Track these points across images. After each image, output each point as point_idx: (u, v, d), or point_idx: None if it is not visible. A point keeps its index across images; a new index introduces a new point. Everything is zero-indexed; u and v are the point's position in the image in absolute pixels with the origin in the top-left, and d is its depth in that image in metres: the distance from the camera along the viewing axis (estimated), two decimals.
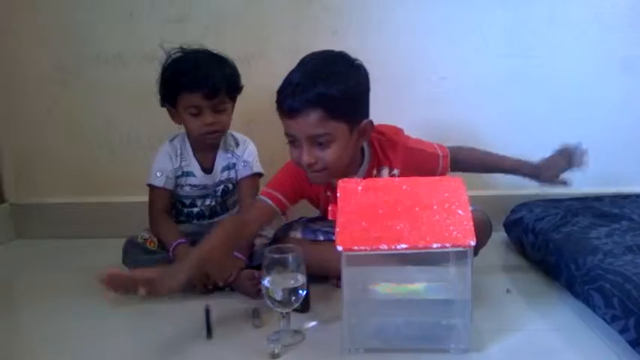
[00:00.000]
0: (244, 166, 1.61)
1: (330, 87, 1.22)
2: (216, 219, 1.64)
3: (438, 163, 1.42)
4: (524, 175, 1.51)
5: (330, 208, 1.18)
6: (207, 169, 1.60)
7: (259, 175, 1.62)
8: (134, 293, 1.16)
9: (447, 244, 1.07)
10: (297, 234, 1.52)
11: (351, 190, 1.19)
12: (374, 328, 1.20)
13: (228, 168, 1.61)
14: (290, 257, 1.15)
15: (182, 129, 1.58)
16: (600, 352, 1.14)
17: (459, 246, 1.07)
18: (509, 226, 1.73)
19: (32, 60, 1.92)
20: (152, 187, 1.58)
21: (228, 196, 1.65)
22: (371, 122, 1.32)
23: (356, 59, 1.31)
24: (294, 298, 1.15)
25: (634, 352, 1.09)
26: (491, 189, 1.81)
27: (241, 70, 1.56)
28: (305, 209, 1.56)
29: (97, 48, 1.89)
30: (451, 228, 1.09)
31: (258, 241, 1.55)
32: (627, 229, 1.45)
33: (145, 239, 1.55)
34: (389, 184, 1.23)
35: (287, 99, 1.24)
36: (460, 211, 1.11)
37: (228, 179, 1.62)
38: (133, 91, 1.88)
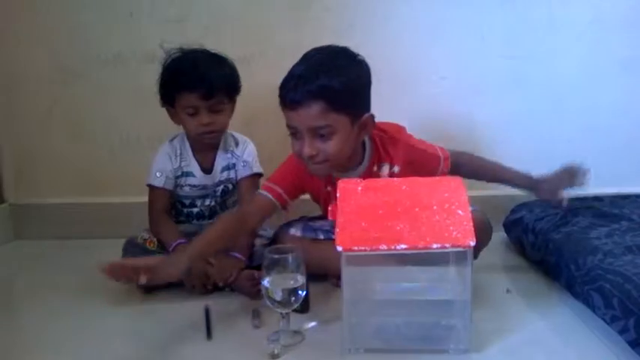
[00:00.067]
0: (244, 166, 1.61)
1: (332, 79, 1.24)
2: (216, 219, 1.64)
3: (439, 164, 1.42)
4: (523, 188, 1.52)
5: (330, 208, 1.18)
6: (207, 170, 1.60)
7: (259, 175, 1.61)
8: (136, 281, 1.18)
9: (447, 245, 1.07)
10: (297, 232, 1.52)
11: (350, 190, 1.19)
12: (374, 329, 1.20)
13: (227, 168, 1.61)
14: (290, 258, 1.15)
15: (182, 129, 1.58)
16: (600, 352, 1.14)
17: (458, 246, 1.07)
18: (509, 226, 1.73)
19: (32, 60, 1.92)
20: (152, 188, 1.58)
21: (228, 196, 1.65)
22: (372, 116, 1.33)
23: (358, 54, 1.32)
24: (293, 298, 1.15)
25: (633, 352, 1.09)
26: (491, 189, 1.80)
27: (241, 70, 1.56)
28: (306, 208, 1.56)
29: (97, 48, 1.89)
30: (451, 228, 1.09)
31: (258, 242, 1.56)
32: (627, 229, 1.45)
33: (145, 239, 1.55)
34: (389, 184, 1.23)
35: (289, 91, 1.26)
36: (460, 212, 1.11)
37: (228, 179, 1.62)
38: (133, 91, 1.88)
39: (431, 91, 1.86)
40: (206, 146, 1.59)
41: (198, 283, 1.42)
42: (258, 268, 1.28)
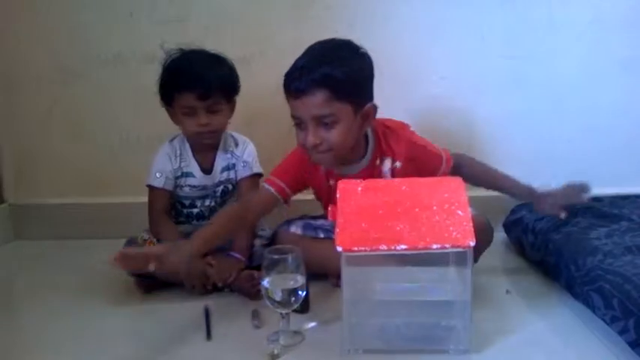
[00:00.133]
0: (244, 166, 1.61)
1: (334, 69, 1.26)
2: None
3: (441, 164, 1.43)
4: (522, 198, 1.51)
5: (329, 208, 1.19)
6: (207, 170, 1.60)
7: (259, 175, 1.61)
8: (144, 268, 1.21)
9: (447, 245, 1.07)
10: (297, 230, 1.53)
11: (350, 190, 1.19)
12: (374, 329, 1.20)
13: (227, 168, 1.61)
14: (289, 258, 1.16)
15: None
16: (600, 353, 1.14)
17: (458, 246, 1.07)
18: (508, 227, 1.73)
19: (32, 60, 1.92)
20: (151, 188, 1.58)
21: (228, 196, 1.65)
22: (374, 106, 1.34)
23: (361, 47, 1.34)
24: (293, 298, 1.16)
25: (633, 353, 1.09)
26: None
27: (241, 70, 1.56)
28: (307, 207, 1.56)
29: (97, 48, 1.89)
30: (451, 229, 1.09)
31: (258, 242, 1.56)
32: (627, 229, 1.45)
33: (145, 240, 1.55)
34: (389, 184, 1.23)
35: (294, 80, 1.28)
36: (460, 212, 1.11)
37: (228, 180, 1.62)
38: (133, 91, 1.88)
39: (431, 91, 1.86)
40: (206, 147, 1.58)
41: (198, 284, 1.42)
42: (258, 268, 1.28)
